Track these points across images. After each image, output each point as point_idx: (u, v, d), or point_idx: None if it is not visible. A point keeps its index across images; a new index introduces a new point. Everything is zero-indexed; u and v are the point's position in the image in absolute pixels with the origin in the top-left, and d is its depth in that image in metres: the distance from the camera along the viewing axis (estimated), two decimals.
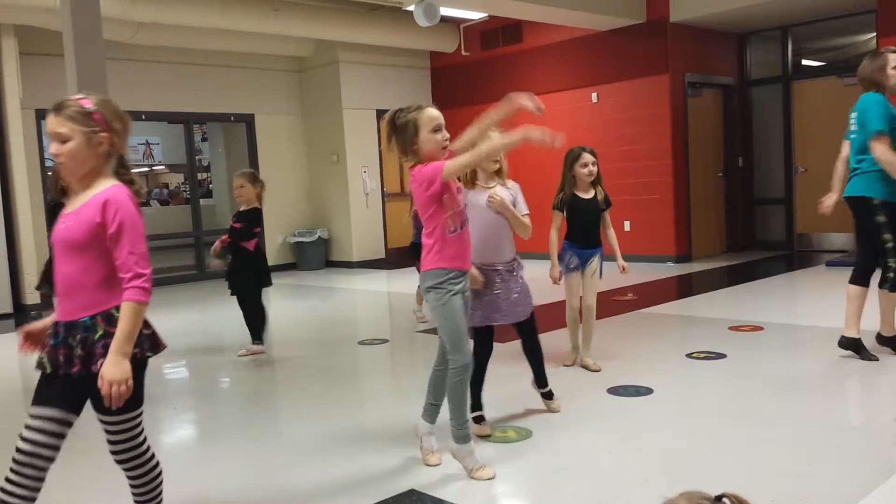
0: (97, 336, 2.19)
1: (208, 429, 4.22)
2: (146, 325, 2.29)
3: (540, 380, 3.94)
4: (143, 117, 10.45)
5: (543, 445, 3.42)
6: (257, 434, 3.92)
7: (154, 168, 17.59)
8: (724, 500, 1.19)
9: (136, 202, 2.27)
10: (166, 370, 5.66)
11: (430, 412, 3.31)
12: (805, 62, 10.37)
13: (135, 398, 2.25)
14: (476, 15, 10.27)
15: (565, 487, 2.98)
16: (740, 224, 10.68)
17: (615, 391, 4.21)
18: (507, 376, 4.42)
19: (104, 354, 2.16)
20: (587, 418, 3.84)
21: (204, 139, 14.46)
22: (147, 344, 2.29)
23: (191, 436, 4.19)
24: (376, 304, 6.72)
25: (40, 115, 9.20)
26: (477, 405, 3.65)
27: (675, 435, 3.52)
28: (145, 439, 2.41)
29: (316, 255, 11.44)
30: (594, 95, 10.03)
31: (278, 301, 8.51)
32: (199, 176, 12.21)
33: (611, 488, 2.94)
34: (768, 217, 10.56)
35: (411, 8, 8.22)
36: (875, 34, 8.55)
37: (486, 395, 3.72)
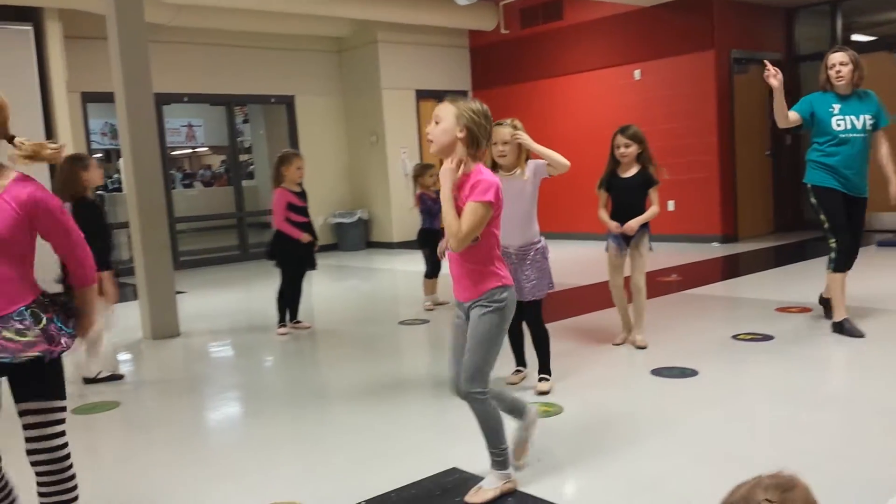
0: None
1: (252, 406, 4.27)
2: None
3: (543, 369, 3.98)
4: (186, 99, 10.58)
5: (585, 425, 3.39)
6: (300, 412, 3.95)
7: (197, 150, 17.84)
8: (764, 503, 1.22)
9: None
10: (211, 349, 5.75)
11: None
12: (855, 37, 10.03)
13: (62, 388, 2.27)
14: None
15: (606, 468, 2.95)
16: (788, 203, 10.43)
17: (659, 372, 4.16)
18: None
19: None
20: (630, 399, 3.80)
21: (245, 121, 14.56)
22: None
23: (235, 413, 4.25)
24: (417, 285, 6.72)
25: (86, 98, 9.36)
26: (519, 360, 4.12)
27: (719, 417, 3.46)
28: (67, 443, 2.28)
29: (356, 236, 11.49)
30: (637, 73, 9.84)
31: (320, 282, 8.57)
32: (241, 157, 12.33)
33: (652, 471, 2.91)
34: None
35: None
36: None
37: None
